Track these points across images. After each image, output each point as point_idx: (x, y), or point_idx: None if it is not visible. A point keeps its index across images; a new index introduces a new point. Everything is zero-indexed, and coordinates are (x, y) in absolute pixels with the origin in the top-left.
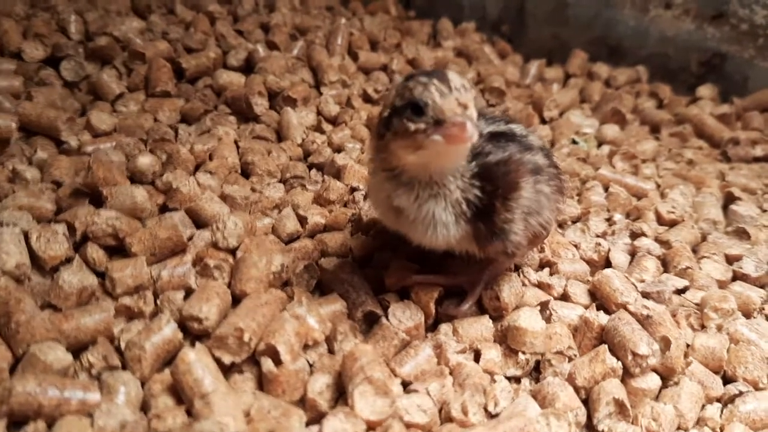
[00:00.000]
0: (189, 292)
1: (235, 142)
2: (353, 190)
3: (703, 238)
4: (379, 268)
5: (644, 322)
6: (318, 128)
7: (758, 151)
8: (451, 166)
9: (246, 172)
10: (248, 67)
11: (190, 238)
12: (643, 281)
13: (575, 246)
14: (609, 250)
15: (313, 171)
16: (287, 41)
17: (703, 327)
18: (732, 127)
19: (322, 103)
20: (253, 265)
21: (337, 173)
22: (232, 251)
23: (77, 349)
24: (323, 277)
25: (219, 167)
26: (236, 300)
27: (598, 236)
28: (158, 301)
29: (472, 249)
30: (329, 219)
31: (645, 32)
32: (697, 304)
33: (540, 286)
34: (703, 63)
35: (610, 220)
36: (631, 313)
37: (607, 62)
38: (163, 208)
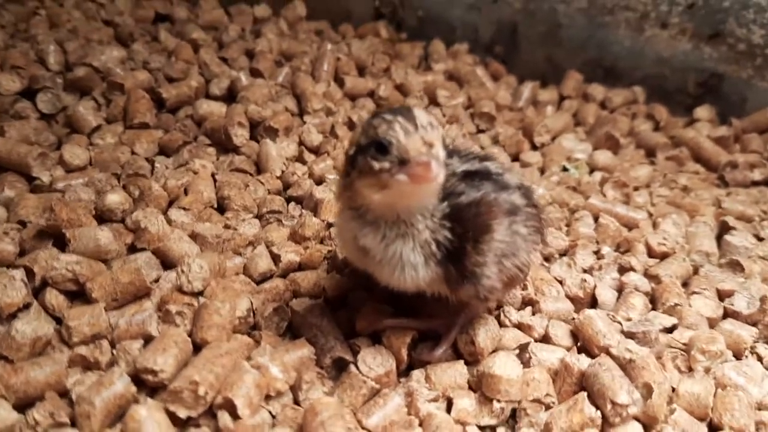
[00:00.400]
0: (149, 340)
1: (213, 175)
2: (330, 225)
3: (695, 271)
4: (352, 310)
5: (627, 366)
6: (300, 158)
7: (756, 175)
8: (418, 206)
9: (222, 206)
10: (231, 95)
11: (157, 281)
12: (629, 320)
13: (560, 282)
14: (595, 286)
15: (292, 204)
16: (272, 68)
17: (690, 369)
18: (730, 150)
19: (305, 133)
20: (215, 312)
21: (315, 207)
22: (198, 295)
23: (26, 404)
24: (294, 319)
25: (194, 202)
26: (198, 348)
27: (585, 271)
28: (114, 352)
29: (444, 291)
30: (304, 257)
31: (641, 53)
32: (685, 344)
33: (520, 327)
34: (701, 83)
35: (598, 253)
36: (613, 357)
37: (603, 83)
38: (132, 248)
